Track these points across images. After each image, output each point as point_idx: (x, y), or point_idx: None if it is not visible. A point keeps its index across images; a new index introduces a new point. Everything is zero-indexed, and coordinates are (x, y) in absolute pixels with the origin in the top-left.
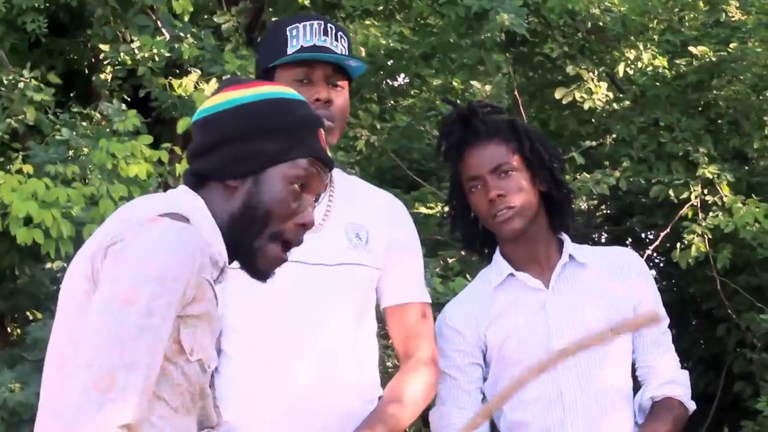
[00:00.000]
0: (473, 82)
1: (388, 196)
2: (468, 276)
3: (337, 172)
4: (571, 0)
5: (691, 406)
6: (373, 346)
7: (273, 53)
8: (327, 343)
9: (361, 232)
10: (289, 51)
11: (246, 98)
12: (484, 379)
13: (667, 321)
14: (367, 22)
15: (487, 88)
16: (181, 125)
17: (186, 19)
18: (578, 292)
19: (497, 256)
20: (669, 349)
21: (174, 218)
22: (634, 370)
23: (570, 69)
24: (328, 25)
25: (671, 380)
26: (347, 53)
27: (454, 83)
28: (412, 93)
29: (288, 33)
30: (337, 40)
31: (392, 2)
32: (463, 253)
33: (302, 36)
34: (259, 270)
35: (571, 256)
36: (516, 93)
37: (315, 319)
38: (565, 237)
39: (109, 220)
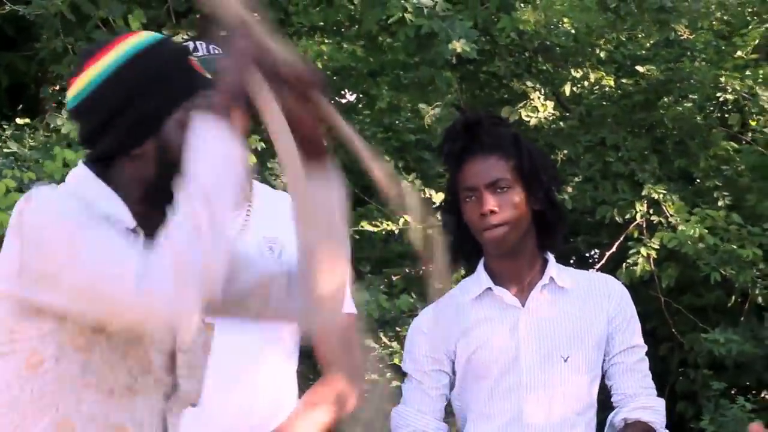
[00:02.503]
0: (421, 105)
1: None
2: (412, 294)
3: (261, 186)
4: (521, 21)
5: None
6: (295, 360)
7: None
8: (243, 358)
9: (274, 245)
10: None
11: (108, 69)
12: (453, 388)
13: (644, 349)
14: (317, 38)
15: (437, 110)
16: None
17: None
18: (553, 315)
19: (480, 269)
20: (646, 377)
21: (41, 188)
22: (604, 395)
23: (517, 87)
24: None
25: (646, 406)
26: None
27: (404, 101)
28: (359, 110)
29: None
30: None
31: (341, 18)
32: (407, 270)
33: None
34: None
35: (551, 279)
36: (463, 111)
37: (228, 331)
38: (550, 257)
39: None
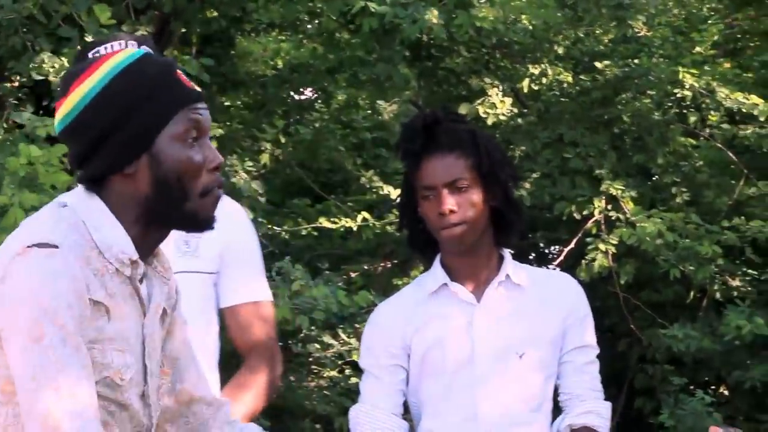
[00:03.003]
0: (379, 102)
1: (226, 201)
2: (371, 290)
3: None
4: (479, 18)
5: None
6: (216, 347)
7: None
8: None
9: (190, 239)
10: None
11: (94, 89)
12: (408, 383)
13: (596, 351)
14: (275, 35)
15: (395, 107)
16: None
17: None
18: (507, 312)
19: (436, 264)
20: (594, 379)
21: (41, 247)
22: (556, 394)
23: (475, 84)
24: (129, 42)
25: (592, 410)
26: None
27: (360, 98)
28: (317, 107)
29: (91, 56)
30: None
31: (300, 15)
32: (365, 267)
33: None
34: (204, 223)
35: (507, 276)
36: (421, 107)
37: None
38: (506, 254)
39: None
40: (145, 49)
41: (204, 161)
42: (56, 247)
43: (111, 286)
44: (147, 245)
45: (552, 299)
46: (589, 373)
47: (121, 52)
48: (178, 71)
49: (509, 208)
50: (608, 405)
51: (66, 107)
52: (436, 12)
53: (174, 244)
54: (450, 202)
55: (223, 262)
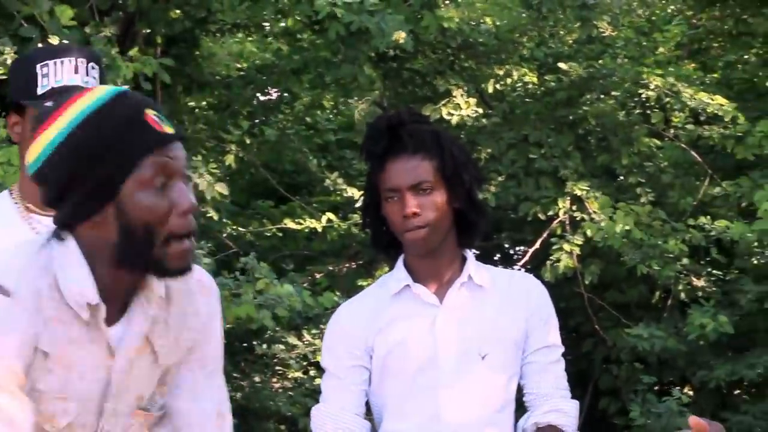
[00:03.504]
0: (350, 101)
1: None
2: (336, 291)
3: None
4: (445, 18)
5: None
6: None
7: (23, 90)
8: None
9: None
10: (39, 91)
11: (62, 133)
12: (370, 384)
13: (561, 350)
14: (240, 36)
15: (365, 106)
16: None
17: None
18: (470, 313)
19: (399, 265)
20: (559, 378)
21: None
22: (520, 394)
23: (440, 85)
24: (79, 60)
25: (558, 409)
26: (98, 83)
27: (325, 99)
28: (282, 108)
29: (38, 70)
30: (87, 74)
31: (267, 15)
32: (330, 268)
33: (53, 75)
34: (174, 271)
35: (470, 277)
36: (386, 108)
37: None
38: (469, 255)
39: None
40: (120, 88)
41: (171, 207)
42: (8, 294)
43: (62, 335)
44: (120, 288)
45: (514, 300)
46: (553, 372)
47: (93, 91)
48: (149, 113)
49: (473, 209)
50: (575, 403)
51: (35, 149)
52: (403, 33)
53: None
54: (413, 204)
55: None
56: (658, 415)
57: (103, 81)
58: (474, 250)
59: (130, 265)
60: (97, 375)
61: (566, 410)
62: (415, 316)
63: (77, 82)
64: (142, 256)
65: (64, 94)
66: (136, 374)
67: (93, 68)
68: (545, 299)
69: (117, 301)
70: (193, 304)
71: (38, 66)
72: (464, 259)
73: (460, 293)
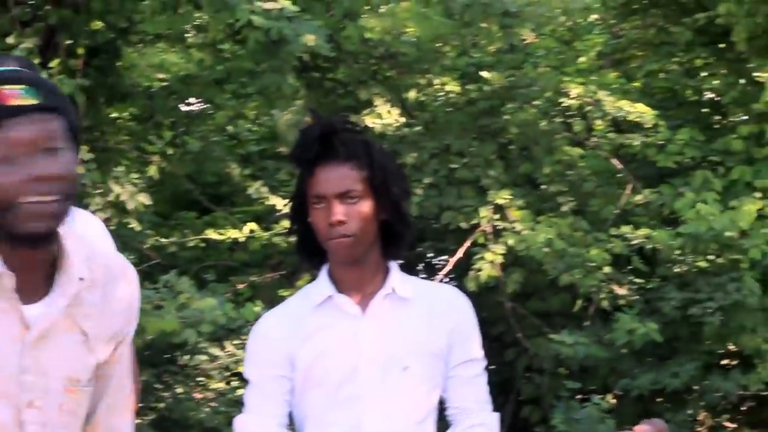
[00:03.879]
0: (274, 111)
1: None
2: (258, 301)
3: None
4: (367, 29)
5: None
6: None
7: None
8: None
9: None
10: None
11: None
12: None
13: (483, 363)
14: (162, 45)
15: (289, 116)
16: None
17: None
18: (392, 324)
19: (323, 274)
20: (482, 391)
21: None
22: (442, 407)
23: (362, 94)
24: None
25: (481, 423)
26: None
27: (248, 109)
28: (205, 118)
29: None
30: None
31: (187, 26)
32: (252, 278)
33: None
34: (28, 236)
35: (393, 289)
36: (309, 118)
37: None
38: (393, 266)
39: None
40: None
41: (22, 173)
42: None
43: None
44: (27, 264)
45: (438, 312)
46: (476, 385)
47: None
48: (3, 88)
49: (399, 221)
50: (496, 416)
51: None
52: (312, 36)
53: None
54: (340, 212)
55: None
56: (578, 421)
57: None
58: (398, 260)
59: (5, 239)
60: (12, 347)
61: (489, 424)
62: (337, 326)
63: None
64: (5, 228)
65: None
66: (64, 353)
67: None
68: (469, 313)
69: (35, 279)
70: (117, 290)
71: None
72: (388, 271)
73: (383, 304)
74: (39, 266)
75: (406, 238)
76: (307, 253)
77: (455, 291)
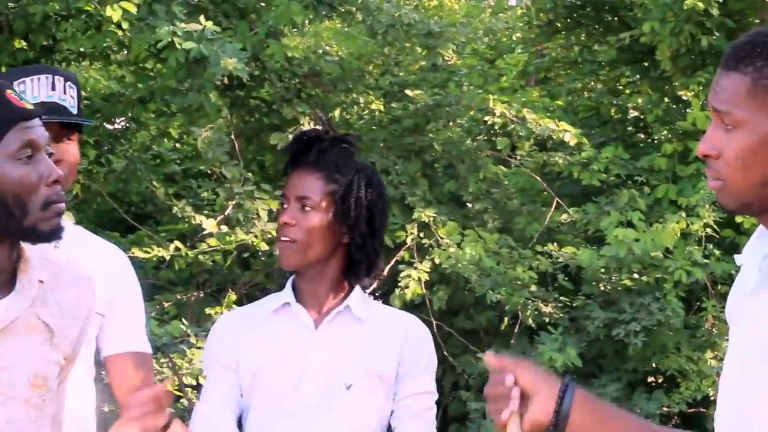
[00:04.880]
0: (194, 128)
1: (110, 246)
2: (184, 319)
3: (72, 225)
4: (290, 47)
5: None
6: (93, 395)
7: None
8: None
9: None
10: None
11: None
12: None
13: (435, 397)
14: (86, 63)
15: (209, 133)
16: None
17: None
18: (342, 342)
19: (288, 283)
20: (430, 425)
21: None
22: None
23: (287, 113)
24: (56, 77)
25: None
26: (76, 102)
27: (172, 127)
28: (129, 136)
29: (15, 87)
30: (65, 92)
31: (110, 45)
32: (178, 297)
33: (30, 92)
34: (47, 234)
35: (348, 307)
36: (233, 137)
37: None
38: (356, 288)
39: None
40: None
41: (40, 177)
42: None
43: None
44: (2, 263)
45: (391, 337)
46: (425, 419)
47: None
48: (8, 91)
49: (358, 247)
50: None
51: None
52: (232, 60)
53: None
54: (289, 215)
55: (112, 308)
56: None
57: (80, 101)
58: (359, 284)
59: (5, 233)
60: None
61: None
62: (288, 336)
63: (54, 99)
64: (16, 224)
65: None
66: (28, 350)
67: (71, 87)
68: (427, 345)
69: (4, 277)
70: (82, 294)
71: (15, 83)
72: (351, 289)
73: (335, 321)
74: (13, 267)
75: (363, 265)
76: None
77: (416, 320)
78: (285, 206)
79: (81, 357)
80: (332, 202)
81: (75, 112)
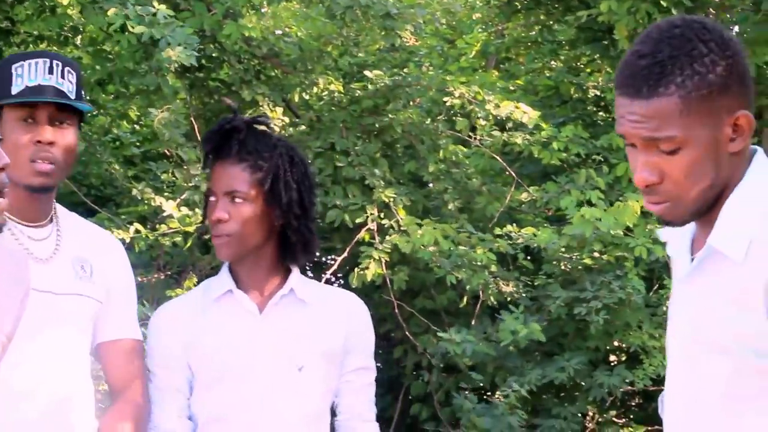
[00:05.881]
0: (150, 110)
1: (108, 234)
2: (145, 302)
3: (60, 208)
4: (247, 28)
5: None
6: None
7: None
8: (59, 374)
9: (86, 264)
10: (14, 91)
11: None
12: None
13: (375, 373)
14: (44, 46)
15: (165, 114)
16: None
17: None
18: (290, 326)
19: (224, 269)
20: (370, 401)
21: None
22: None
23: (246, 94)
24: (54, 62)
25: None
26: (75, 88)
27: (131, 110)
28: (88, 119)
29: (13, 71)
30: (63, 77)
31: (66, 27)
32: (139, 279)
33: (27, 75)
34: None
35: (291, 290)
36: (192, 119)
37: (46, 348)
38: (294, 269)
39: None
40: None
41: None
42: None
43: None
44: None
45: (336, 316)
46: (366, 394)
47: None
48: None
49: (294, 229)
50: (376, 426)
51: None
52: (178, 49)
53: (71, 266)
54: (222, 211)
55: (109, 295)
56: (486, 415)
57: (80, 86)
58: (297, 265)
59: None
60: None
61: None
62: (234, 324)
63: (50, 83)
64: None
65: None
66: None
67: (69, 72)
68: (367, 321)
69: None
70: (19, 270)
71: (14, 67)
72: (288, 273)
73: (280, 305)
74: None
75: (300, 247)
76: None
77: (355, 298)
78: (213, 200)
79: (81, 346)
80: (261, 189)
81: (73, 97)
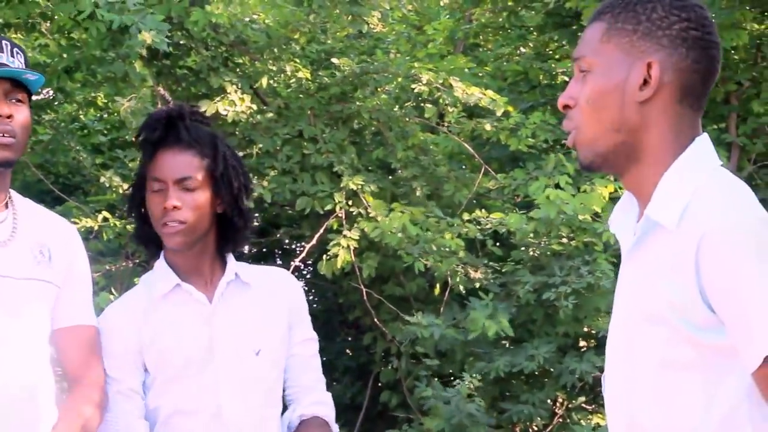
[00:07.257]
0: (117, 98)
1: (62, 219)
2: (114, 291)
3: (14, 194)
4: (214, 14)
5: (335, 428)
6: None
7: None
8: (23, 361)
9: (44, 249)
10: None
11: None
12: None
13: (317, 343)
14: (11, 33)
15: (132, 102)
16: None
17: None
18: (241, 309)
19: (162, 263)
20: (318, 370)
21: None
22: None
23: (213, 81)
24: (3, 41)
25: (320, 401)
26: (24, 68)
27: (99, 97)
28: (55, 107)
29: None
30: (12, 56)
31: (34, 15)
32: (107, 267)
33: None
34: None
35: (236, 275)
36: (159, 106)
37: (8, 334)
38: (229, 255)
39: None
40: None
41: None
42: None
43: None
44: None
45: (278, 295)
46: (313, 365)
47: None
48: None
49: (239, 216)
50: (329, 395)
51: None
52: (150, 34)
53: (30, 251)
54: (175, 198)
55: (66, 281)
56: (446, 401)
57: (27, 66)
58: (252, 247)
59: None
60: None
61: (327, 402)
62: (187, 316)
63: (2, 60)
64: None
65: None
66: None
67: (18, 53)
68: (301, 293)
69: None
70: None
71: None
72: (225, 259)
73: (227, 291)
74: None
75: (243, 232)
76: (144, 240)
77: (286, 273)
78: (160, 190)
79: (42, 333)
80: (211, 176)
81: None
